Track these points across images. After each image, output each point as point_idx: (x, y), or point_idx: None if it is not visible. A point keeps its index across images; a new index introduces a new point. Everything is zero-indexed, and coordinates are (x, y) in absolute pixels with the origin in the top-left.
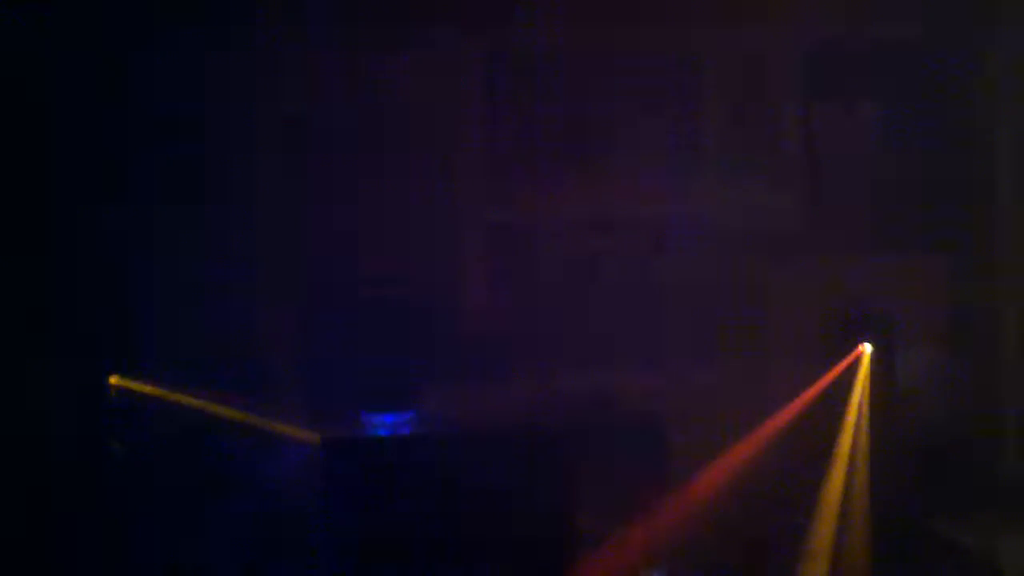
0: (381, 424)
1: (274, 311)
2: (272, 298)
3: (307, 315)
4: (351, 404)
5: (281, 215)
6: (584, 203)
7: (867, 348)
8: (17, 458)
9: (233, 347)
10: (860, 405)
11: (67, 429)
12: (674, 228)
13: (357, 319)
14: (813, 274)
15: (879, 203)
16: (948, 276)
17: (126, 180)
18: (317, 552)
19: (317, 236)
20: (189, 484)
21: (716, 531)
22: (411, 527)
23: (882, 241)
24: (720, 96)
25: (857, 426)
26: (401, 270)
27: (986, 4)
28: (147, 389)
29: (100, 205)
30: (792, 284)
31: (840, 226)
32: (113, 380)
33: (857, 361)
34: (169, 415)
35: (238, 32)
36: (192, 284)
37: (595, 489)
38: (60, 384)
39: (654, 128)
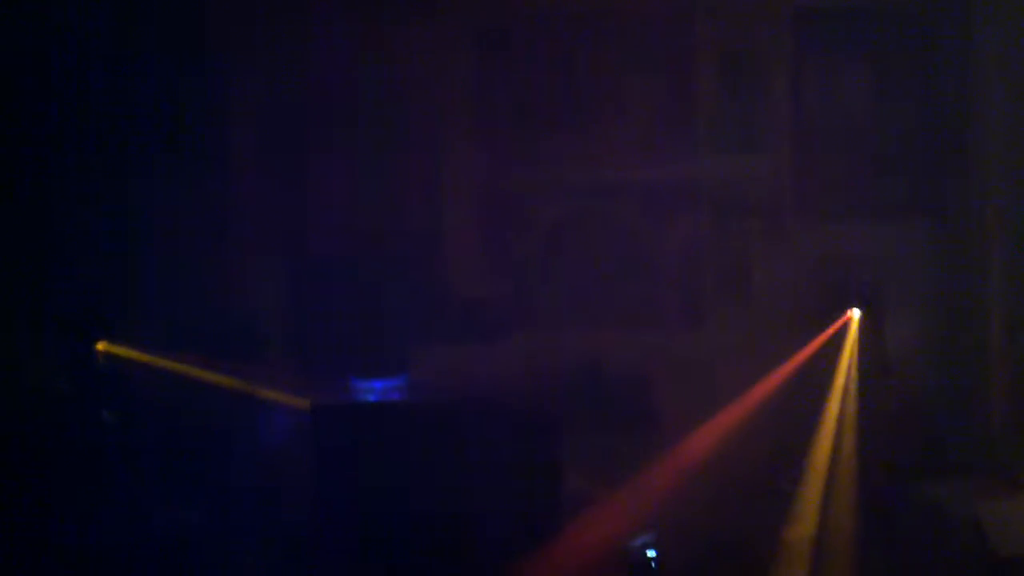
0: (371, 390)
1: (266, 276)
2: (264, 263)
3: (299, 280)
4: (342, 370)
5: (276, 180)
6: (577, 167)
7: (856, 314)
8: (15, 429)
9: (225, 313)
10: (848, 371)
11: (60, 397)
12: (665, 192)
13: (349, 283)
14: (803, 239)
15: (870, 169)
16: (937, 243)
17: (120, 147)
18: (309, 515)
19: (311, 200)
20: (179, 449)
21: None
22: (400, 492)
23: (872, 207)
24: (712, 61)
25: (845, 392)
26: (394, 234)
27: None
28: (135, 355)
29: (95, 175)
30: (782, 249)
31: (830, 192)
32: (101, 347)
33: (846, 327)
34: (158, 381)
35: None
36: (185, 251)
37: (584, 453)
38: (53, 353)
39: (646, 94)
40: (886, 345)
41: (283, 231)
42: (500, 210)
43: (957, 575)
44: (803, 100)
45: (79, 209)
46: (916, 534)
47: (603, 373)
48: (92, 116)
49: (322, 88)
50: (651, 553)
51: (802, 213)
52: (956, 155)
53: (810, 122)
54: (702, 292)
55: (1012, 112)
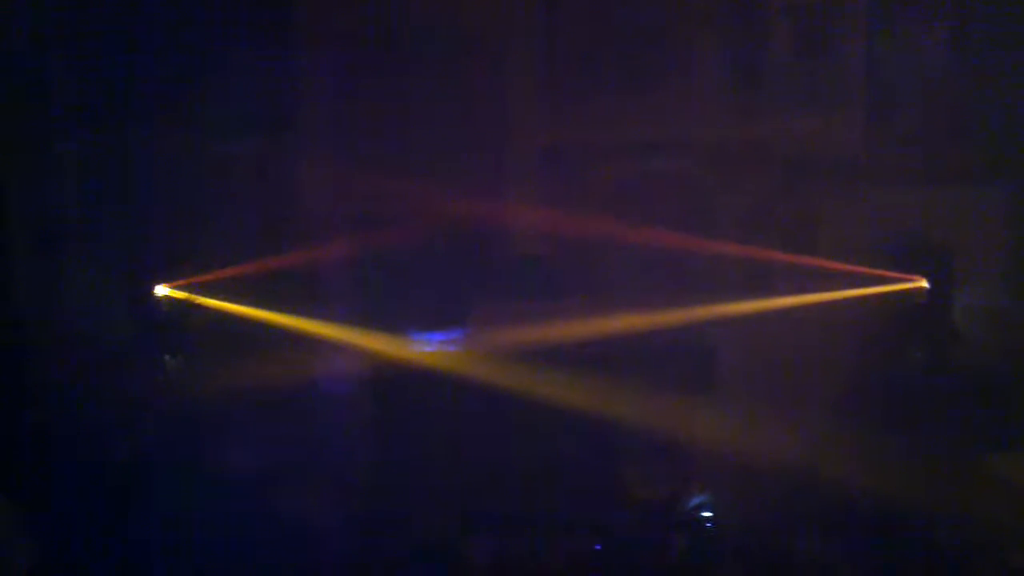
0: (429, 343)
1: (327, 230)
2: (325, 218)
3: (359, 235)
4: (400, 323)
5: (333, 135)
6: (638, 124)
7: (923, 283)
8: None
9: (287, 265)
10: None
11: (119, 341)
12: (729, 151)
13: (408, 239)
14: (870, 203)
15: (944, 131)
16: (1009, 210)
17: (187, 102)
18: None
19: (369, 156)
20: (239, 396)
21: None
22: (456, 440)
23: (945, 171)
24: (783, 18)
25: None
26: (452, 190)
27: None
28: (198, 300)
29: (164, 129)
30: (848, 213)
31: (902, 154)
32: (164, 292)
33: (912, 296)
34: (220, 328)
35: None
36: (247, 203)
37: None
38: (113, 298)
39: (712, 49)
40: (953, 315)
41: (346, 188)
42: (563, 170)
43: None
44: (876, 59)
45: (148, 161)
46: (979, 505)
47: (659, 334)
48: (164, 67)
49: (385, 43)
50: (706, 513)
51: (873, 175)
52: None
53: (883, 81)
54: (764, 253)
55: None
